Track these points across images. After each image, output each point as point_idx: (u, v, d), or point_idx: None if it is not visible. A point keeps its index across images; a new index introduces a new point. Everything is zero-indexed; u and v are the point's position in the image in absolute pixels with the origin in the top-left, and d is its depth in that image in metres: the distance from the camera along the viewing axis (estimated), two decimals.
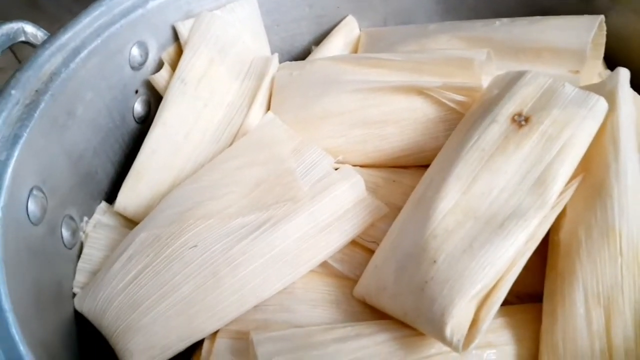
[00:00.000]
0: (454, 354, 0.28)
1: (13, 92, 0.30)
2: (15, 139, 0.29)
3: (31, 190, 0.30)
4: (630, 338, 0.27)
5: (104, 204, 0.38)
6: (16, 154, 0.29)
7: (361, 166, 0.38)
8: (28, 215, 0.29)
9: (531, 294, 0.32)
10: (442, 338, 0.26)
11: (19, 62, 0.74)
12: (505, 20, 0.41)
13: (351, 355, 0.28)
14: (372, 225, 0.35)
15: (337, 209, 0.34)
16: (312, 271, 0.34)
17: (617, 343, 0.27)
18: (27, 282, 0.28)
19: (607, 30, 0.40)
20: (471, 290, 0.27)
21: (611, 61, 0.35)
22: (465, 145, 0.32)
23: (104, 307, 0.31)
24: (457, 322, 0.26)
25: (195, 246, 0.31)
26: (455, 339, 0.26)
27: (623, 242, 0.28)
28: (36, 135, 0.31)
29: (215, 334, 0.31)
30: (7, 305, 0.24)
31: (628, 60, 0.40)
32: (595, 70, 0.39)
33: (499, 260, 0.28)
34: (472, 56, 0.36)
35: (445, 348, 0.28)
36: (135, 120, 0.41)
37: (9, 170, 0.28)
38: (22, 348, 0.23)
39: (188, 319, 0.30)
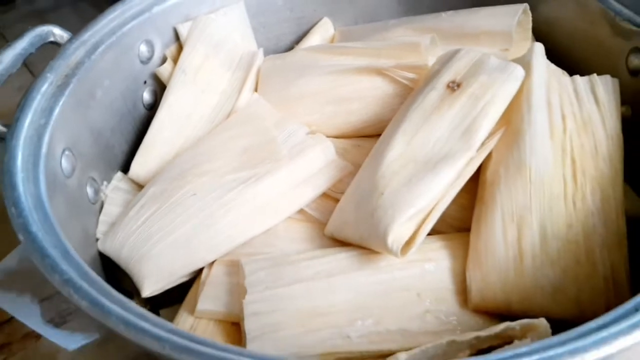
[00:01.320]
0: (400, 264, 0.35)
1: (48, 75, 0.39)
2: (50, 110, 0.37)
3: (63, 150, 0.37)
4: (536, 245, 0.34)
5: (119, 173, 0.45)
6: (52, 120, 0.37)
7: (332, 137, 0.46)
8: (62, 169, 0.37)
9: (466, 228, 0.38)
10: (385, 247, 0.33)
11: None
12: (450, 12, 0.49)
13: (317, 267, 0.35)
14: (340, 181, 0.42)
15: (311, 167, 0.42)
16: (290, 217, 0.41)
17: (526, 249, 0.34)
18: (63, 224, 0.35)
19: (538, 17, 0.48)
20: (408, 212, 0.34)
21: (544, 42, 0.42)
22: (410, 109, 0.39)
23: (122, 244, 0.38)
24: (397, 235, 0.33)
25: (195, 195, 0.39)
26: (395, 247, 0.33)
27: (532, 173, 0.35)
28: (66, 109, 0.38)
29: (212, 263, 0.38)
30: (60, 230, 0.31)
31: (554, 39, 0.47)
32: (526, 49, 0.46)
33: (431, 191, 0.35)
34: (419, 41, 0.44)
35: (393, 260, 0.35)
36: (144, 107, 0.49)
37: (48, 131, 0.36)
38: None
39: (189, 250, 0.37)
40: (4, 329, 0.53)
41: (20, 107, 0.36)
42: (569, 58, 0.46)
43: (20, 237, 0.28)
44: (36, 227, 0.29)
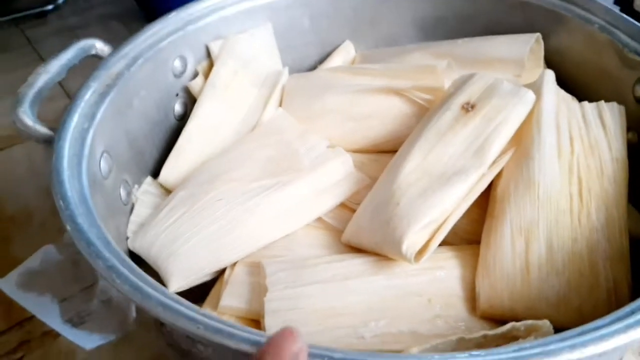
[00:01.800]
0: (413, 270, 0.37)
1: (92, 83, 0.42)
2: (93, 115, 0.40)
3: (102, 153, 0.40)
4: (542, 257, 0.36)
5: (149, 178, 0.48)
6: (94, 125, 0.40)
7: (351, 151, 0.49)
8: (100, 170, 0.40)
9: (477, 240, 0.40)
10: (400, 254, 0.36)
11: (67, 95, 0.87)
12: (466, 39, 0.52)
13: (334, 271, 0.37)
14: (357, 192, 0.44)
15: (330, 178, 0.44)
16: (309, 225, 0.43)
17: (532, 261, 0.36)
18: (102, 220, 0.38)
19: (550, 47, 0.51)
20: (422, 221, 0.36)
21: (555, 70, 0.45)
22: (426, 127, 0.42)
23: (152, 242, 0.40)
24: (411, 242, 0.36)
25: (221, 200, 0.41)
26: (409, 254, 0.35)
27: (540, 191, 0.38)
28: (106, 115, 0.41)
29: (234, 264, 0.41)
30: (101, 224, 0.34)
31: (565, 67, 0.50)
32: (537, 76, 0.49)
33: (445, 203, 0.37)
34: (435, 64, 0.47)
35: (406, 267, 0.37)
36: (175, 117, 0.52)
37: (90, 134, 0.39)
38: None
39: (215, 249, 0.40)
40: (24, 327, 0.55)
41: (67, 111, 0.39)
42: (578, 85, 0.49)
43: (68, 227, 0.31)
44: (81, 219, 0.32)
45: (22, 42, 1.00)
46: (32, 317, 0.54)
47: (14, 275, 0.53)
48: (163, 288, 0.28)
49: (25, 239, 0.63)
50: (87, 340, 0.49)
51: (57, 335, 0.53)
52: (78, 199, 0.33)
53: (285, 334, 0.22)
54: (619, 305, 0.34)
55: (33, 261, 0.56)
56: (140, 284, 0.28)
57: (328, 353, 0.25)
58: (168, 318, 0.26)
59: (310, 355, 0.25)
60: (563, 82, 0.45)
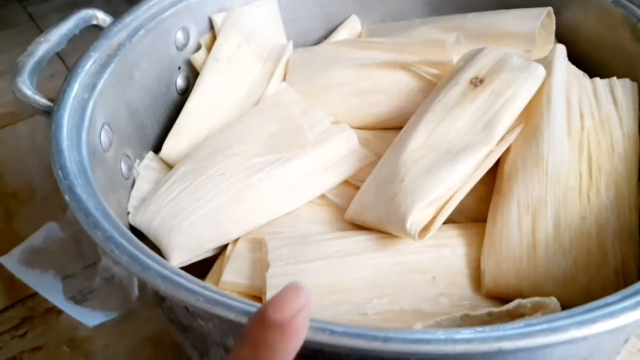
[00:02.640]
0: (417, 247, 0.36)
1: (92, 54, 0.41)
2: (93, 85, 0.39)
3: (103, 125, 0.40)
4: (550, 235, 0.35)
5: (151, 153, 0.47)
6: (94, 96, 0.39)
7: (356, 128, 0.48)
8: (101, 142, 0.39)
9: (483, 219, 0.39)
10: (404, 231, 0.35)
11: (67, 68, 0.86)
12: (475, 13, 0.51)
13: (337, 247, 0.37)
14: (361, 170, 0.44)
15: (334, 155, 0.43)
16: (313, 202, 0.43)
17: (539, 239, 0.35)
18: (102, 193, 0.37)
19: (562, 22, 0.49)
20: (428, 198, 0.35)
21: (566, 45, 0.44)
22: (433, 102, 0.41)
23: (153, 216, 0.40)
24: (415, 219, 0.35)
25: (223, 174, 0.41)
26: (413, 230, 0.35)
27: (549, 167, 0.37)
28: (107, 86, 0.41)
29: (236, 240, 0.40)
30: (100, 195, 0.33)
31: (577, 43, 0.49)
32: (548, 51, 0.48)
33: (451, 179, 0.36)
34: (444, 38, 0.46)
35: (410, 244, 0.36)
36: (177, 91, 0.51)
37: (90, 105, 0.38)
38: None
39: (217, 224, 0.39)
40: (27, 303, 0.55)
41: (66, 80, 0.38)
42: (590, 62, 0.47)
43: (66, 197, 0.30)
44: (80, 189, 0.31)
45: (24, 19, 0.99)
46: (35, 294, 0.54)
47: (16, 252, 0.53)
48: (163, 260, 0.28)
49: (28, 216, 0.63)
50: (89, 317, 0.49)
51: (60, 312, 0.53)
52: (77, 169, 0.33)
53: (290, 288, 0.22)
54: (627, 284, 0.33)
55: (36, 238, 0.56)
56: (140, 255, 0.27)
57: (330, 326, 0.24)
58: (167, 290, 0.26)
59: (312, 329, 0.24)
60: (574, 58, 0.44)
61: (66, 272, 0.55)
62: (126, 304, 0.47)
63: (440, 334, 0.24)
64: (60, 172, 0.31)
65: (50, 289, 0.53)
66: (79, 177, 0.32)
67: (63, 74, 0.40)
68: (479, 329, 0.25)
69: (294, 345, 0.22)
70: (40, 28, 0.97)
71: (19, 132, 0.74)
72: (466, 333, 0.24)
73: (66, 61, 0.81)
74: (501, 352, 0.23)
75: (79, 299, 0.52)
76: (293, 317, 0.21)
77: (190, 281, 0.26)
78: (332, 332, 0.24)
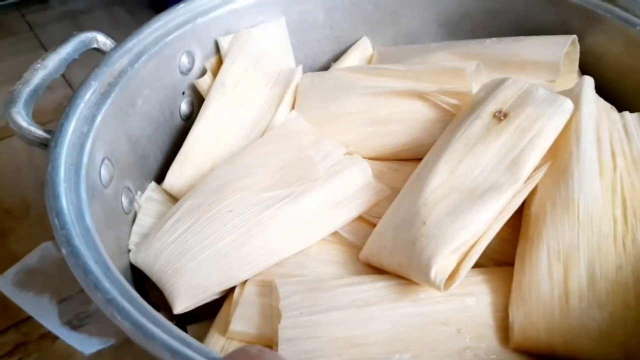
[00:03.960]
0: (440, 297, 0.34)
1: (92, 82, 0.38)
2: (93, 117, 0.37)
3: (103, 160, 0.37)
4: (583, 285, 0.33)
5: (153, 184, 0.45)
6: (94, 128, 0.36)
7: (369, 158, 0.45)
8: (100, 178, 0.36)
9: (507, 262, 0.37)
10: (428, 280, 0.33)
11: (68, 84, 0.84)
12: (494, 39, 0.48)
13: (354, 295, 0.34)
14: (376, 205, 0.42)
15: (347, 189, 0.41)
16: (325, 239, 0.40)
17: (572, 289, 0.33)
18: (100, 234, 0.35)
19: (585, 50, 0.47)
20: (453, 244, 0.33)
21: (590, 75, 0.42)
22: (454, 136, 0.39)
23: (156, 257, 0.37)
24: (440, 267, 0.33)
25: (231, 211, 0.38)
26: (438, 280, 0.32)
27: (580, 212, 0.34)
28: (107, 117, 0.38)
29: (244, 282, 0.38)
30: (100, 245, 0.31)
31: (601, 73, 0.46)
32: (572, 81, 0.45)
33: (476, 223, 0.34)
34: (464, 66, 0.43)
35: (433, 293, 0.34)
36: (181, 117, 0.49)
37: (90, 139, 0.35)
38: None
39: (224, 266, 0.37)
40: (21, 328, 0.53)
41: (64, 114, 0.35)
42: (615, 92, 0.45)
43: (63, 250, 0.28)
44: (78, 240, 0.28)
45: (22, 28, 0.98)
46: (29, 318, 0.52)
47: (11, 273, 0.51)
48: (169, 325, 0.25)
49: (23, 234, 0.60)
50: (86, 344, 0.47)
51: (55, 337, 0.51)
52: (75, 215, 0.30)
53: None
54: None
55: (31, 259, 0.53)
56: (144, 321, 0.25)
57: None
58: None
59: None
60: (599, 89, 0.42)
61: (62, 294, 0.53)
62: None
63: None
64: (56, 221, 0.29)
65: (45, 313, 0.51)
66: (77, 225, 0.29)
67: (61, 87, 0.38)
68: None
69: None
70: (38, 37, 0.95)
71: (14, 145, 0.71)
72: None
73: (65, 74, 0.79)
74: None
75: (75, 324, 0.50)
76: None
77: (200, 352, 0.23)
78: None
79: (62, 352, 0.51)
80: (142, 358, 0.48)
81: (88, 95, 0.37)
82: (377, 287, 0.35)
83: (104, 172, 0.37)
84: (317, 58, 0.56)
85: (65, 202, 0.30)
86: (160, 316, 0.26)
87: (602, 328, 0.32)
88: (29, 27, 0.98)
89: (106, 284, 0.26)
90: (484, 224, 0.34)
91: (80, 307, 0.53)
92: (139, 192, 0.43)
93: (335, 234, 0.41)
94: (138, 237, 0.40)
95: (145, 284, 0.39)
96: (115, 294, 0.26)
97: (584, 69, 0.47)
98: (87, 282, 0.26)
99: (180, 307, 0.36)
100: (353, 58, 0.55)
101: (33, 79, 0.39)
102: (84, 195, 0.32)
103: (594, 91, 0.40)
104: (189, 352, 0.23)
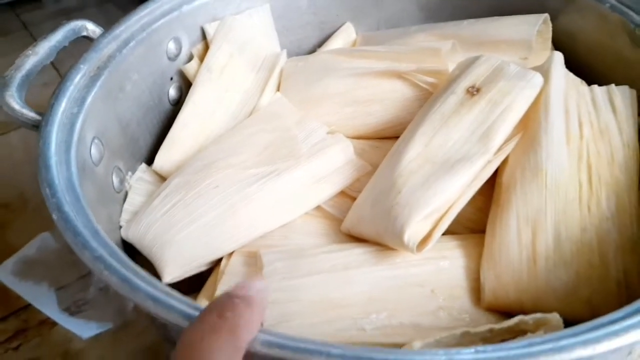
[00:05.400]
0: (415, 260, 0.36)
1: (82, 66, 0.40)
2: (82, 99, 0.39)
3: (93, 139, 0.39)
4: (550, 247, 0.34)
5: (143, 165, 0.46)
6: (84, 110, 0.38)
7: (351, 137, 0.47)
8: (91, 156, 0.38)
9: (481, 230, 0.38)
10: (402, 244, 0.34)
11: (61, 77, 0.86)
12: (471, 20, 0.50)
13: (334, 261, 0.36)
14: (357, 180, 0.43)
15: (329, 166, 0.43)
16: (308, 214, 0.42)
17: (539, 251, 0.34)
18: (91, 209, 0.36)
19: (559, 29, 0.49)
20: (425, 210, 0.35)
21: (563, 52, 0.43)
22: (430, 112, 0.40)
23: (145, 231, 0.39)
24: (413, 232, 0.34)
25: (217, 187, 0.40)
26: (411, 243, 0.34)
27: (548, 178, 0.36)
28: (97, 100, 0.40)
29: (230, 254, 0.39)
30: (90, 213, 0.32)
31: (575, 50, 0.48)
32: (545, 59, 0.47)
33: (448, 191, 0.35)
34: (440, 46, 0.45)
35: (409, 257, 0.36)
36: (169, 102, 0.50)
37: (80, 120, 0.37)
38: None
39: (211, 239, 0.38)
40: (20, 315, 0.54)
41: (54, 95, 0.37)
42: (588, 69, 0.47)
43: (54, 216, 0.29)
44: (68, 207, 0.30)
45: (17, 26, 0.99)
46: (28, 306, 0.54)
47: (10, 263, 0.53)
48: (154, 280, 0.27)
49: (21, 226, 0.62)
50: (84, 328, 0.48)
51: (54, 324, 0.52)
52: (65, 186, 0.32)
53: (251, 278, 0.26)
54: (630, 297, 0.33)
55: (29, 249, 0.55)
56: (130, 275, 0.26)
57: (327, 349, 0.23)
58: (159, 312, 0.25)
59: (308, 351, 0.23)
60: (572, 66, 0.43)
61: (60, 282, 0.54)
62: (121, 314, 0.47)
63: (442, 355, 0.23)
64: (47, 190, 0.31)
65: (44, 301, 0.52)
66: (67, 194, 0.31)
67: (56, 83, 0.39)
68: (480, 348, 0.24)
69: (256, 317, 0.24)
70: (33, 36, 0.96)
71: (11, 141, 0.73)
72: (467, 353, 0.23)
73: (60, 69, 0.80)
74: None
75: (73, 310, 0.51)
76: (256, 293, 0.25)
77: (182, 302, 0.25)
78: (328, 355, 0.23)
79: (60, 337, 0.52)
80: (138, 341, 0.50)
81: (77, 78, 0.39)
82: (356, 252, 0.37)
83: (94, 151, 0.39)
84: (302, 44, 0.58)
85: (56, 173, 0.32)
86: (144, 272, 0.27)
87: (569, 286, 0.33)
88: (24, 26, 1.00)
89: (94, 243, 0.28)
90: (456, 191, 0.36)
91: (78, 294, 0.54)
92: (130, 173, 0.45)
93: (319, 208, 0.43)
94: (129, 214, 0.42)
95: (137, 260, 0.41)
96: (102, 251, 0.28)
97: (558, 47, 0.49)
98: (76, 243, 0.28)
99: (168, 277, 0.37)
100: (337, 43, 0.57)
101: (25, 65, 0.40)
102: (74, 169, 0.34)
103: (564, 66, 0.42)
104: (171, 301, 0.25)
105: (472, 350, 0.24)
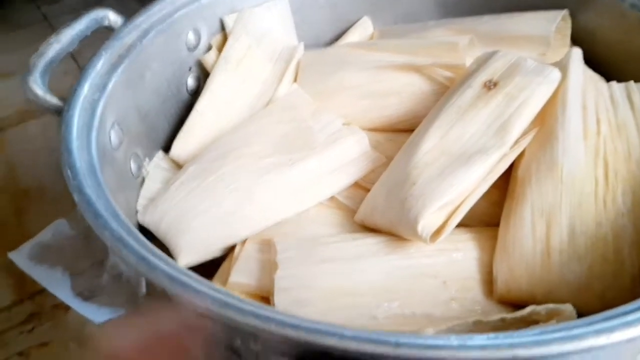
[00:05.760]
0: (429, 251, 0.36)
1: (103, 53, 0.41)
2: (104, 86, 0.39)
3: (113, 124, 0.39)
4: (564, 241, 0.34)
5: (161, 152, 0.47)
6: (105, 96, 0.39)
7: (367, 130, 0.47)
8: (110, 142, 0.39)
9: (496, 223, 0.38)
10: (415, 234, 0.34)
11: (79, 67, 0.86)
12: (489, 16, 0.50)
13: (347, 250, 0.36)
14: (372, 172, 0.43)
15: (344, 157, 0.43)
16: (322, 204, 0.42)
17: (553, 245, 0.34)
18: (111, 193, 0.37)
19: (578, 26, 0.49)
20: (440, 201, 0.35)
21: (582, 49, 0.43)
22: (446, 105, 0.40)
23: (162, 216, 0.40)
24: (427, 223, 0.34)
25: (233, 175, 0.40)
26: (425, 234, 0.34)
27: (564, 173, 0.36)
28: (117, 87, 0.40)
29: (244, 241, 0.40)
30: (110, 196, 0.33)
31: (594, 47, 0.48)
32: (563, 55, 0.47)
33: (463, 183, 0.36)
34: (457, 40, 0.45)
35: (422, 247, 0.36)
36: (187, 92, 0.51)
37: (100, 105, 0.38)
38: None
39: (226, 225, 0.39)
40: (35, 299, 0.55)
41: (77, 81, 0.38)
42: (606, 66, 0.47)
43: (75, 197, 0.30)
44: (89, 189, 0.31)
45: (37, 18, 1.00)
46: (43, 291, 0.54)
47: (26, 248, 0.54)
48: (171, 260, 0.27)
49: (38, 213, 0.63)
50: (97, 313, 0.49)
51: (67, 308, 0.53)
52: (87, 169, 0.33)
53: None
54: None
55: (45, 235, 0.56)
56: (148, 255, 0.27)
57: (340, 330, 0.24)
58: (175, 291, 0.25)
59: (321, 332, 0.24)
60: (591, 63, 0.43)
61: (74, 269, 0.55)
62: (134, 300, 0.47)
63: (454, 340, 0.23)
64: (69, 172, 0.31)
65: (58, 285, 0.53)
66: (88, 178, 0.32)
67: (76, 72, 0.40)
68: (492, 335, 0.24)
69: None
70: (53, 28, 0.97)
71: (30, 131, 0.74)
72: (480, 339, 0.23)
73: (78, 60, 0.81)
74: None
75: (86, 296, 0.52)
76: None
77: (198, 282, 0.26)
78: (342, 336, 0.23)
79: (74, 321, 0.53)
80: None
81: (99, 66, 0.40)
82: (369, 242, 0.37)
83: (113, 136, 0.39)
84: (319, 37, 0.58)
85: (77, 156, 0.33)
86: (161, 252, 0.28)
87: (582, 280, 0.33)
88: (44, 17, 1.01)
89: (114, 225, 0.29)
90: (471, 184, 0.36)
91: (92, 280, 0.55)
92: (147, 159, 0.45)
93: (333, 199, 0.43)
94: (145, 200, 0.43)
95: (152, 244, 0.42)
96: (122, 232, 0.28)
97: (576, 44, 0.48)
98: (97, 223, 0.29)
99: (183, 261, 0.38)
100: (354, 37, 0.57)
101: (48, 52, 0.41)
102: (94, 153, 0.34)
103: (582, 62, 0.42)
104: (186, 279, 0.25)
105: (485, 337, 0.24)
